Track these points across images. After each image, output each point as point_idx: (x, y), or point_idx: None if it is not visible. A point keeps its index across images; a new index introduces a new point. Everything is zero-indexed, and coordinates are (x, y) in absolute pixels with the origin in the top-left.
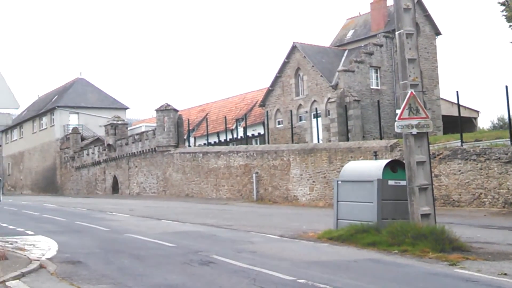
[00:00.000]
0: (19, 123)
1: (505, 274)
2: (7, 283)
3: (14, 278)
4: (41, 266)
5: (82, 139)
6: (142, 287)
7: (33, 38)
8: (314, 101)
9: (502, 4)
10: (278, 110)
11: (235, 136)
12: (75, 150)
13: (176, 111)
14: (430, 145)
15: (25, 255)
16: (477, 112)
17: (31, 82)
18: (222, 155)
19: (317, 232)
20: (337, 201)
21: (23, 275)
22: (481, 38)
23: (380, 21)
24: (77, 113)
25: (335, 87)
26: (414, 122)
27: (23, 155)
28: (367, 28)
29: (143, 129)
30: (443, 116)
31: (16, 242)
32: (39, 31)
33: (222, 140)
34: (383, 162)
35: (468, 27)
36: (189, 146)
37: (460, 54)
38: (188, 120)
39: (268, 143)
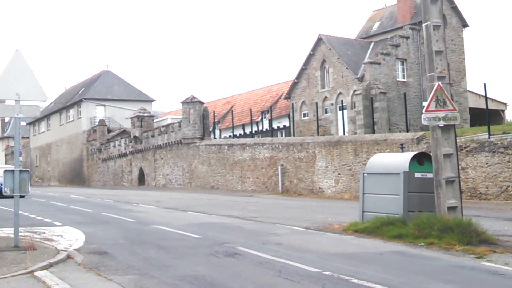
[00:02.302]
0: (46, 115)
1: None
2: (35, 273)
3: (42, 268)
4: (69, 257)
5: (109, 131)
6: (168, 278)
7: (61, 32)
8: (340, 93)
9: None
10: (303, 102)
11: (260, 128)
12: (102, 142)
13: (202, 103)
14: (457, 138)
15: (52, 246)
16: (505, 104)
17: (58, 75)
18: (247, 147)
19: (342, 224)
20: (363, 194)
21: (51, 265)
22: (509, 29)
23: (406, 13)
24: (104, 105)
25: (361, 79)
26: (441, 114)
27: (50, 147)
28: (393, 20)
29: (169, 121)
30: (470, 109)
31: (44, 232)
32: (66, 24)
33: (248, 132)
34: (409, 155)
35: (495, 18)
36: (215, 138)
37: (487, 46)
38: (214, 112)
39: (294, 135)
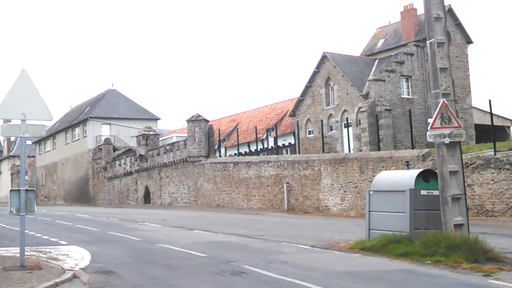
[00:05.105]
0: (52, 134)
1: None
2: None
3: None
4: (75, 276)
5: (114, 149)
6: None
7: (66, 51)
8: (345, 110)
9: None
10: (308, 119)
11: (265, 146)
12: (107, 161)
13: (207, 121)
14: (462, 155)
15: (58, 265)
16: (510, 120)
17: (64, 94)
18: (253, 165)
19: (348, 242)
20: (369, 211)
21: (56, 285)
22: None
23: (410, 30)
24: (109, 124)
25: (366, 96)
26: (447, 131)
27: (56, 165)
28: (397, 37)
29: (174, 140)
30: (476, 125)
31: (50, 252)
32: (71, 44)
33: (253, 150)
34: (415, 172)
35: (500, 35)
36: (220, 156)
37: (492, 63)
38: (219, 130)
39: (299, 153)
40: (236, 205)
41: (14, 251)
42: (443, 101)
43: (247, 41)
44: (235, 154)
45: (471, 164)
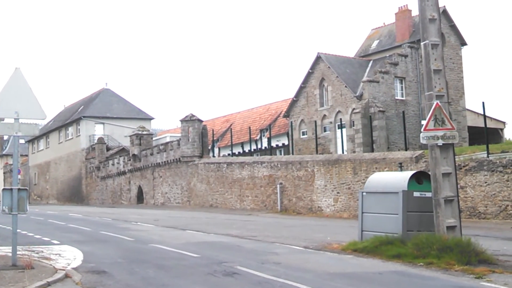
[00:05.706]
0: (45, 133)
1: None
2: None
3: (40, 287)
4: (67, 276)
5: (108, 149)
6: None
7: (60, 50)
8: (339, 111)
9: None
10: (302, 120)
11: (259, 146)
12: (101, 160)
13: (201, 121)
14: (455, 157)
15: (50, 265)
16: (504, 123)
17: (57, 93)
18: (246, 166)
19: (341, 243)
20: (362, 213)
21: (48, 284)
22: (507, 47)
23: (405, 32)
24: (103, 123)
25: (360, 97)
26: (440, 133)
27: (49, 164)
28: (392, 38)
29: (168, 140)
30: (469, 127)
31: (42, 251)
32: (65, 42)
33: (247, 151)
34: (408, 174)
35: (494, 37)
36: (214, 156)
37: (486, 64)
38: (213, 130)
39: (293, 153)
40: (229, 206)
41: (6, 250)
42: (437, 103)
43: (242, 42)
44: (229, 154)
45: (464, 166)
